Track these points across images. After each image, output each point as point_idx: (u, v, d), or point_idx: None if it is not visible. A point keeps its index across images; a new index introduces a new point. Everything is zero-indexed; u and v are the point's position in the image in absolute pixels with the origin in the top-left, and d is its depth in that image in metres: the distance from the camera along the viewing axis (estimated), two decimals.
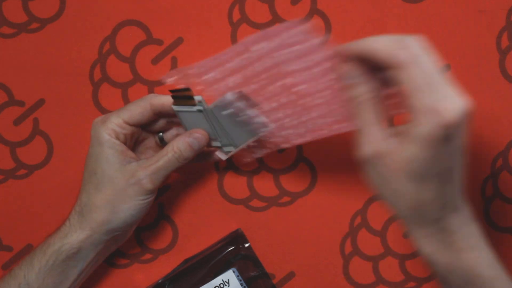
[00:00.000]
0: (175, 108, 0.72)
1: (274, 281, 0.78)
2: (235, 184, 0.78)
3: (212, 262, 0.76)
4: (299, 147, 0.78)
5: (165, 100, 0.73)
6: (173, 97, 0.72)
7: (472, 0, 0.77)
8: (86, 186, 0.72)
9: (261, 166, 0.78)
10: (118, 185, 0.71)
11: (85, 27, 0.78)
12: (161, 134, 0.76)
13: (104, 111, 0.78)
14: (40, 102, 0.79)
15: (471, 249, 0.61)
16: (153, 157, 0.72)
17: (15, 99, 0.79)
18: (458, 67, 0.77)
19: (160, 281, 0.77)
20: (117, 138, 0.72)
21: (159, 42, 0.78)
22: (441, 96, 0.56)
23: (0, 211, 0.79)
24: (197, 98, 0.71)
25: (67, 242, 0.71)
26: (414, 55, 0.57)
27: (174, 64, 0.78)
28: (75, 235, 0.71)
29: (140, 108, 0.72)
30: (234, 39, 0.78)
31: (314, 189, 0.78)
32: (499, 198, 0.78)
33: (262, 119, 0.71)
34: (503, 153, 0.77)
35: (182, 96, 0.71)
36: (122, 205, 0.71)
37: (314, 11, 0.78)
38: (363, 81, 0.61)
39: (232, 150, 0.74)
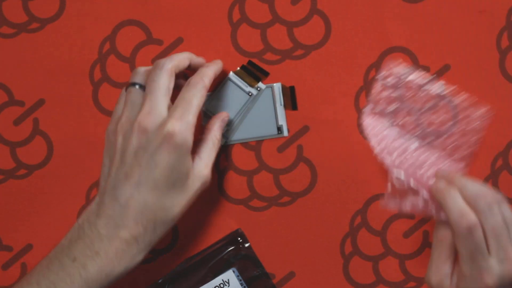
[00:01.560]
0: (231, 76, 0.75)
1: (274, 281, 0.78)
2: (235, 184, 0.78)
3: (212, 262, 0.76)
4: (299, 147, 0.78)
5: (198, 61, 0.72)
6: (244, 68, 0.75)
7: (472, 0, 0.77)
8: (162, 201, 0.66)
9: (261, 166, 0.78)
10: (193, 193, 0.68)
11: (85, 27, 0.78)
12: None
13: (104, 111, 0.78)
14: (40, 102, 0.79)
15: None
16: (203, 152, 0.69)
17: (15, 99, 0.79)
18: (458, 67, 0.77)
19: (160, 281, 0.77)
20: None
21: (159, 42, 0.78)
22: (480, 269, 0.65)
23: (0, 211, 0.79)
24: (261, 85, 0.75)
25: (131, 267, 0.67)
26: (465, 232, 0.65)
27: None
28: (139, 257, 0.67)
29: (200, 92, 0.68)
30: (234, 39, 0.78)
31: (314, 189, 0.78)
32: None
33: (284, 124, 0.76)
34: (503, 153, 0.77)
35: (253, 73, 0.75)
36: (187, 209, 0.68)
37: (314, 11, 0.78)
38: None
39: (223, 143, 0.77)
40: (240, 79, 0.76)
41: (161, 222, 0.66)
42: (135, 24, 0.78)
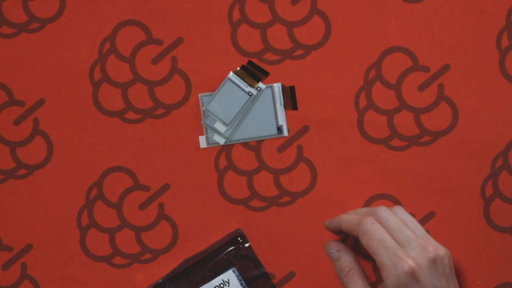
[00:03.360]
0: (231, 76, 0.75)
1: (274, 281, 0.78)
2: (235, 184, 0.78)
3: (212, 262, 0.76)
4: (299, 147, 0.78)
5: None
6: (244, 68, 0.75)
7: (472, 0, 0.77)
8: None
9: (261, 166, 0.78)
10: None
11: (85, 27, 0.79)
12: None
13: (104, 111, 0.78)
14: (40, 102, 0.79)
15: None
16: None
17: (15, 99, 0.79)
18: (458, 67, 0.77)
19: (160, 281, 0.77)
20: None
21: (159, 42, 0.78)
22: (397, 254, 0.68)
23: (0, 211, 0.79)
24: (261, 85, 0.75)
25: None
26: (369, 227, 0.69)
27: (174, 64, 0.78)
28: None
29: None
30: (234, 39, 0.78)
31: (314, 189, 0.78)
32: (499, 198, 0.78)
33: (284, 124, 0.76)
34: (503, 153, 0.77)
35: (253, 73, 0.74)
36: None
37: (314, 11, 0.78)
38: (343, 254, 0.72)
39: (219, 141, 0.77)
40: (240, 79, 0.76)
41: None
42: (135, 24, 0.78)
